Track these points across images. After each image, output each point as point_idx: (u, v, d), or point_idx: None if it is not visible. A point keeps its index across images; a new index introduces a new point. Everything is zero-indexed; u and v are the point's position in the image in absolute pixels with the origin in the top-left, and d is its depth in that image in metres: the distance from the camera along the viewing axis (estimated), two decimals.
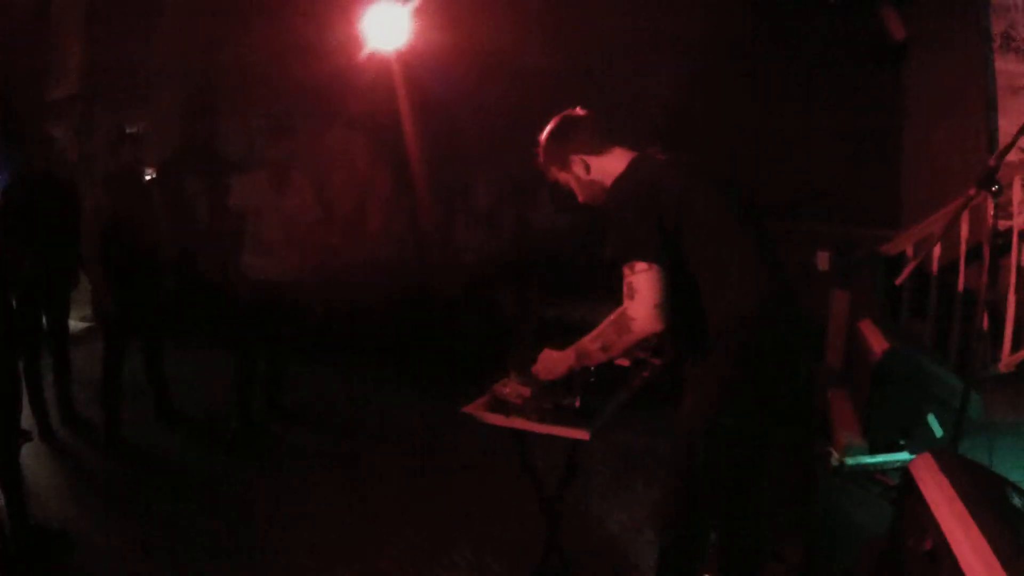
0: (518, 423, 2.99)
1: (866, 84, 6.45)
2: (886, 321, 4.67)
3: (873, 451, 3.35)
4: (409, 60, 7.85)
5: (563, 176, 3.06)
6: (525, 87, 7.11)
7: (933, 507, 2.31)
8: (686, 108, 6.72)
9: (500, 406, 3.10)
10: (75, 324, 7.26)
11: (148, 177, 8.45)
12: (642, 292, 2.63)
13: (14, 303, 3.97)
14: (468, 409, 3.10)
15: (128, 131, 5.78)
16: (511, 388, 3.13)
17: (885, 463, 3.20)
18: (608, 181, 2.90)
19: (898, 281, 3.95)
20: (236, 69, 9.87)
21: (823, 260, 5.60)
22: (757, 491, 3.07)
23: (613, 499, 4.49)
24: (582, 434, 2.83)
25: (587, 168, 2.97)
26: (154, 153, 9.83)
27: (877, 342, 4.14)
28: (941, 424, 3.53)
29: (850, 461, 3.18)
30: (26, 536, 3.99)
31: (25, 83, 11.35)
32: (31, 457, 5.19)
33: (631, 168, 2.88)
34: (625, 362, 3.61)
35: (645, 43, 7.34)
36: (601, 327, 2.84)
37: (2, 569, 3.85)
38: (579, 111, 3.07)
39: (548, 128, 3.06)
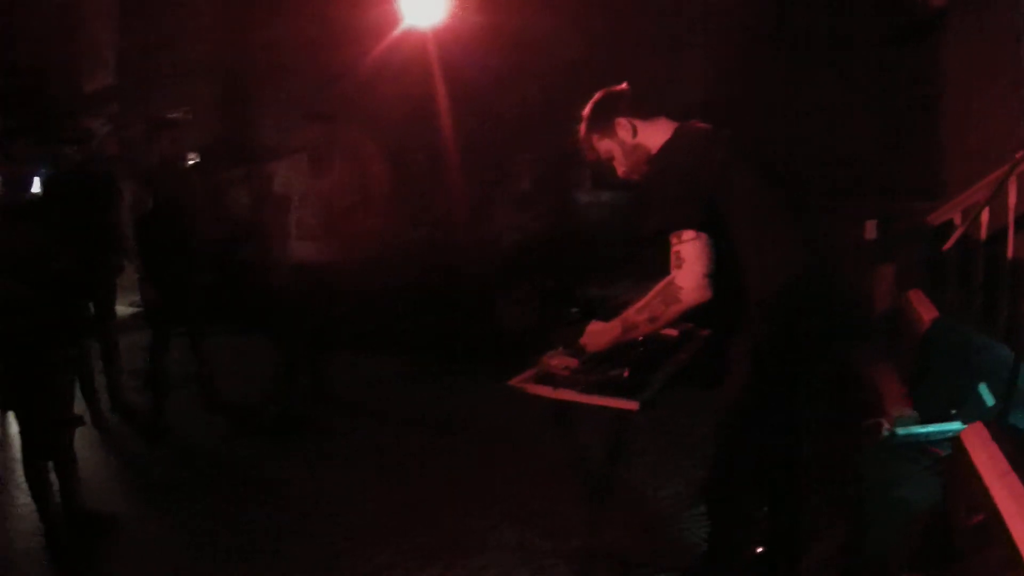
0: (565, 395, 2.98)
1: (905, 55, 6.33)
2: (933, 291, 4.60)
3: (924, 422, 3.30)
4: (445, 40, 7.85)
5: (605, 145, 3.03)
6: (562, 67, 7.09)
7: (985, 478, 2.27)
8: (723, 84, 6.65)
9: (547, 378, 3.10)
10: (124, 310, 7.38)
11: (188, 164, 8.53)
12: (690, 261, 2.62)
13: (60, 295, 4.02)
14: (514, 382, 3.10)
15: (164, 119, 5.83)
16: (558, 360, 3.12)
17: (936, 434, 3.15)
18: (654, 148, 2.89)
19: (945, 247, 3.89)
20: (272, 53, 9.93)
21: (870, 228, 5.51)
22: (804, 465, 3.05)
23: (660, 475, 4.49)
24: (630, 405, 2.82)
25: (634, 131, 2.95)
26: (193, 141, 9.95)
27: (926, 312, 4.09)
28: (993, 393, 3.47)
29: (900, 432, 3.14)
30: (77, 519, 4.07)
31: (62, 76, 11.51)
32: (82, 442, 5.29)
33: (676, 137, 2.87)
34: (673, 332, 3.61)
35: (681, 20, 7.28)
36: (648, 297, 2.81)
37: (54, 549, 3.93)
38: (623, 85, 3.07)
39: (593, 99, 3.05)
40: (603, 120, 3.01)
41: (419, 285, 7.53)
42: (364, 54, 7.83)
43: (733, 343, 2.84)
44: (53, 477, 4.02)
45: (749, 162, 2.81)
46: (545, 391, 3.03)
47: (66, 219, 5.18)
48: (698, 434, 4.78)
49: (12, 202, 4.05)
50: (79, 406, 5.61)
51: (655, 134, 2.91)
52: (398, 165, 8.61)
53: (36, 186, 5.58)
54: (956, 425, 3.05)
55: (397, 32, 7.84)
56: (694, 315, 3.26)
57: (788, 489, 3.09)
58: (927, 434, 3.17)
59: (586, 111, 3.06)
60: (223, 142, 10.39)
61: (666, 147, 2.86)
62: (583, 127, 3.08)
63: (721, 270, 2.65)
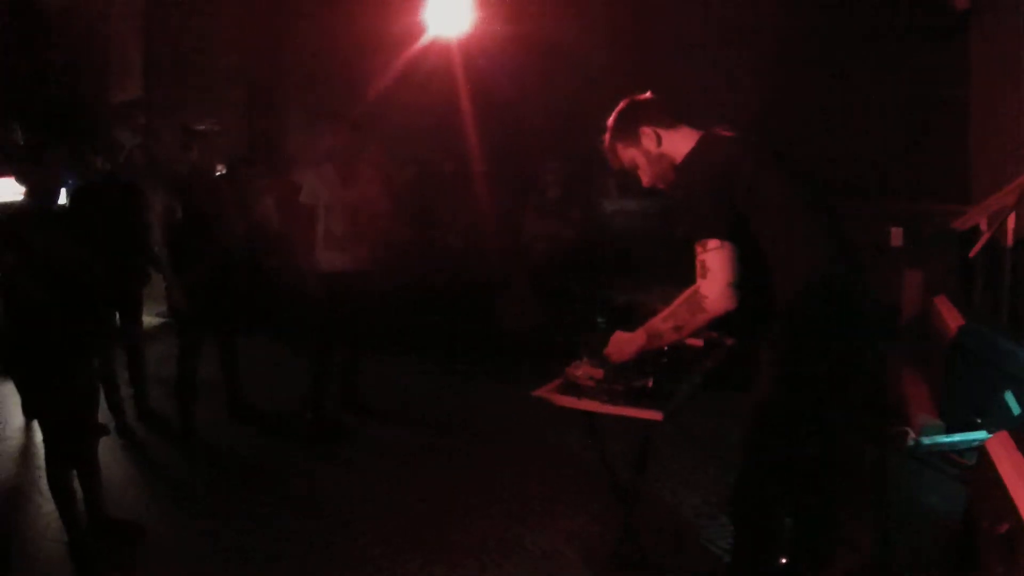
0: (590, 405, 3.01)
1: (930, 56, 6.30)
2: (960, 297, 4.57)
3: (950, 431, 3.29)
4: (473, 49, 7.89)
5: (630, 154, 3.05)
6: (590, 75, 7.11)
7: (1010, 488, 2.26)
8: (751, 91, 6.65)
9: (572, 389, 3.12)
10: (151, 319, 7.47)
11: (217, 174, 8.61)
12: (714, 270, 2.63)
13: (85, 303, 4.08)
14: (539, 392, 3.13)
15: (195, 129, 5.89)
16: (583, 371, 3.15)
17: (962, 443, 3.15)
18: (678, 157, 2.90)
19: (971, 253, 3.87)
20: (299, 63, 10.02)
21: (897, 236, 5.48)
22: (830, 474, 3.05)
23: (687, 484, 4.48)
24: (655, 415, 2.84)
25: (658, 140, 2.96)
26: (222, 151, 10.02)
27: (952, 319, 4.06)
28: (1019, 402, 3.46)
29: (926, 441, 3.14)
30: (102, 527, 4.13)
31: (91, 87, 11.67)
32: (107, 451, 5.34)
33: (700, 146, 2.88)
34: (698, 342, 3.62)
35: (706, 27, 7.29)
36: (673, 306, 2.82)
37: (78, 558, 3.95)
38: (648, 94, 3.09)
39: (618, 108, 3.08)
40: (627, 129, 3.03)
41: (450, 291, 7.57)
42: (391, 63, 7.88)
43: (759, 351, 2.85)
44: (77, 485, 4.05)
45: (775, 168, 2.81)
46: (570, 402, 3.06)
47: (94, 228, 5.27)
48: (724, 442, 4.77)
49: (40, 210, 4.09)
50: (104, 415, 5.71)
51: (679, 143, 2.92)
52: (425, 174, 8.67)
53: (64, 195, 5.66)
54: (981, 434, 3.05)
55: (424, 42, 7.91)
56: (720, 323, 3.30)
57: (813, 499, 3.09)
58: (953, 443, 3.17)
59: (610, 120, 3.09)
60: (252, 152, 10.49)
61: (690, 156, 2.87)
62: (608, 136, 3.10)
63: (748, 278, 2.67)
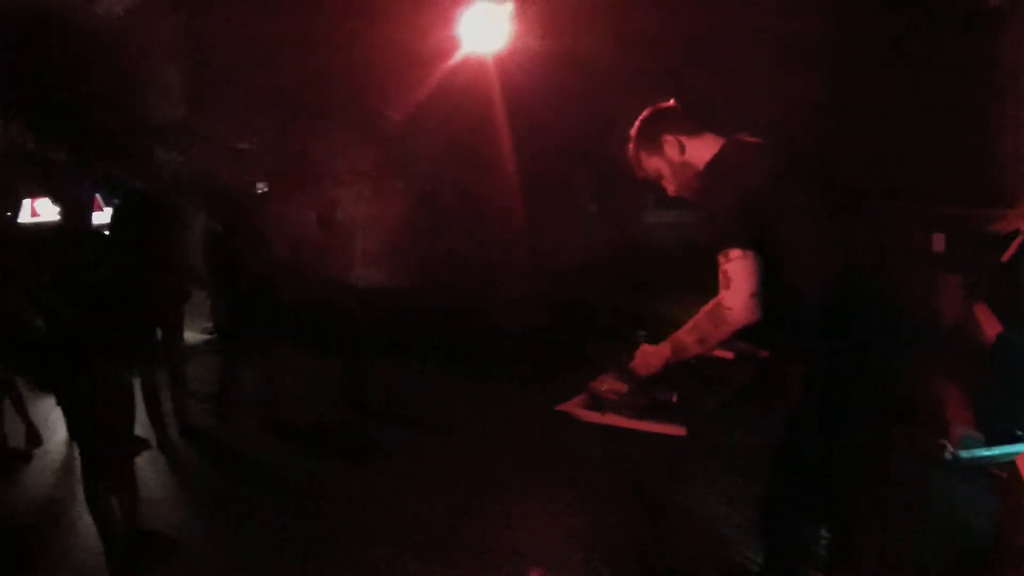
0: (613, 420, 2.98)
1: (965, 56, 6.15)
2: (998, 304, 4.44)
3: (989, 443, 3.19)
4: (508, 63, 7.91)
5: (654, 163, 3.01)
6: (625, 86, 7.07)
7: None
8: (789, 96, 6.56)
9: (596, 403, 3.09)
10: (195, 336, 7.58)
11: (259, 192, 8.73)
12: (737, 281, 2.58)
13: (122, 321, 4.16)
14: (563, 407, 3.10)
15: (236, 148, 6.00)
16: (608, 385, 3.11)
17: (1002, 456, 3.04)
18: (701, 164, 2.85)
19: (1004, 257, 3.77)
20: (337, 81, 10.12)
21: (938, 242, 5.34)
22: (864, 487, 2.97)
23: (718, 494, 4.45)
24: (678, 431, 2.80)
25: (681, 148, 2.91)
26: (261, 169, 10.16)
27: (991, 326, 3.96)
28: None
29: (964, 454, 3.04)
30: (136, 539, 4.20)
31: (132, 108, 11.89)
32: (147, 465, 5.47)
33: (723, 153, 2.83)
34: (728, 355, 3.56)
35: (739, 32, 7.21)
36: (696, 318, 2.78)
37: (112, 567, 4.04)
38: (671, 101, 3.05)
39: (640, 116, 3.04)
40: (650, 138, 2.99)
41: (486, 303, 7.57)
42: (427, 80, 7.93)
43: (791, 360, 2.79)
44: (114, 498, 4.14)
45: (799, 174, 2.74)
46: (593, 417, 3.02)
47: (133, 247, 5.36)
48: (755, 456, 4.71)
49: (75, 229, 4.17)
50: (146, 429, 5.81)
51: (702, 150, 2.87)
52: (463, 190, 8.70)
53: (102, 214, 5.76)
54: (1021, 447, 2.95)
55: (458, 57, 7.94)
56: (752, 334, 3.23)
57: (847, 511, 3.02)
58: (992, 456, 3.07)
59: (633, 130, 3.05)
60: (290, 170, 10.60)
61: (712, 163, 2.81)
62: (631, 146, 3.07)
63: (775, 288, 2.61)
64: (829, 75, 6.47)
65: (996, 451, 3.06)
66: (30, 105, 11.40)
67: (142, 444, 5.73)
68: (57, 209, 4.30)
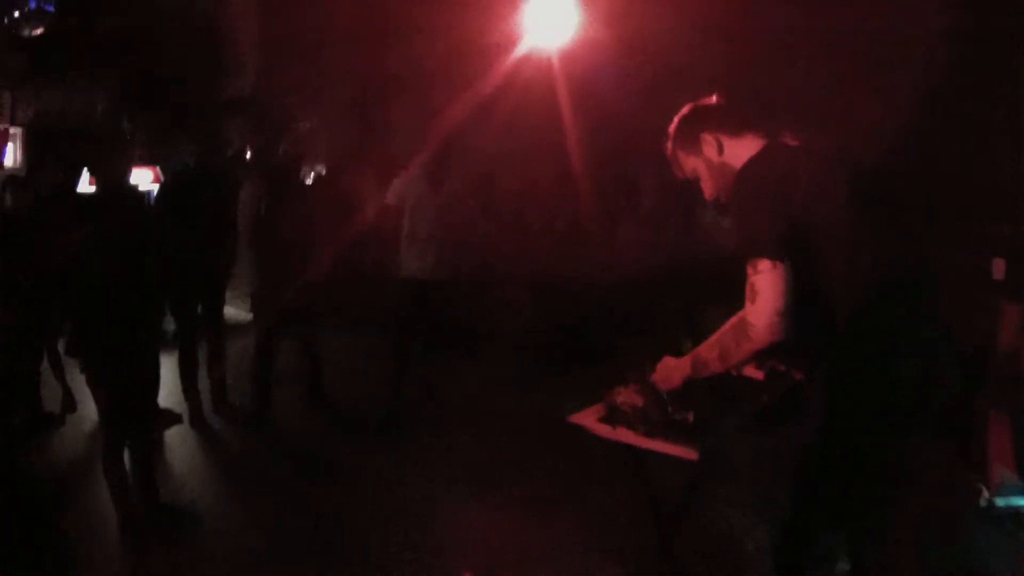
0: (624, 436, 2.85)
1: None
2: None
3: None
4: (573, 54, 7.80)
5: (692, 163, 2.83)
6: (691, 83, 6.89)
7: None
8: (848, 98, 6.33)
9: (611, 415, 2.97)
10: (236, 313, 7.63)
11: (313, 173, 8.74)
12: (764, 295, 2.39)
13: (151, 292, 4.16)
14: (574, 418, 2.99)
15: (285, 125, 5.98)
16: (624, 397, 2.98)
17: None
18: (739, 166, 2.65)
19: None
20: (405, 65, 10.14)
21: (999, 268, 5.03)
22: (888, 513, 2.76)
23: (731, 511, 4.31)
24: (690, 453, 2.66)
25: (720, 148, 2.73)
26: (320, 149, 10.22)
27: None
28: None
29: (1000, 502, 2.82)
30: (155, 513, 4.21)
31: (200, 83, 12.08)
32: (179, 440, 5.51)
33: (761, 155, 2.62)
34: (759, 375, 3.39)
35: (803, 35, 6.99)
36: (720, 332, 2.61)
37: (127, 538, 4.06)
38: (712, 97, 2.87)
39: (679, 113, 2.88)
40: (688, 136, 2.81)
41: (540, 298, 7.48)
42: (492, 68, 7.87)
43: (820, 373, 2.60)
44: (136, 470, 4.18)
45: (840, 181, 2.51)
46: (604, 431, 2.90)
47: (176, 219, 5.38)
48: (770, 470, 4.52)
49: (113, 196, 4.15)
50: (180, 404, 5.85)
51: (742, 151, 2.66)
52: (523, 178, 8.61)
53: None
54: None
55: (524, 47, 7.86)
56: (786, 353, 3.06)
57: (867, 549, 2.83)
58: None
59: (672, 126, 2.88)
60: (351, 151, 10.66)
61: (748, 165, 2.61)
62: (670, 144, 2.89)
63: (809, 303, 2.44)
64: (898, 82, 6.21)
65: None
66: (98, 75, 11.69)
67: (173, 418, 5.80)
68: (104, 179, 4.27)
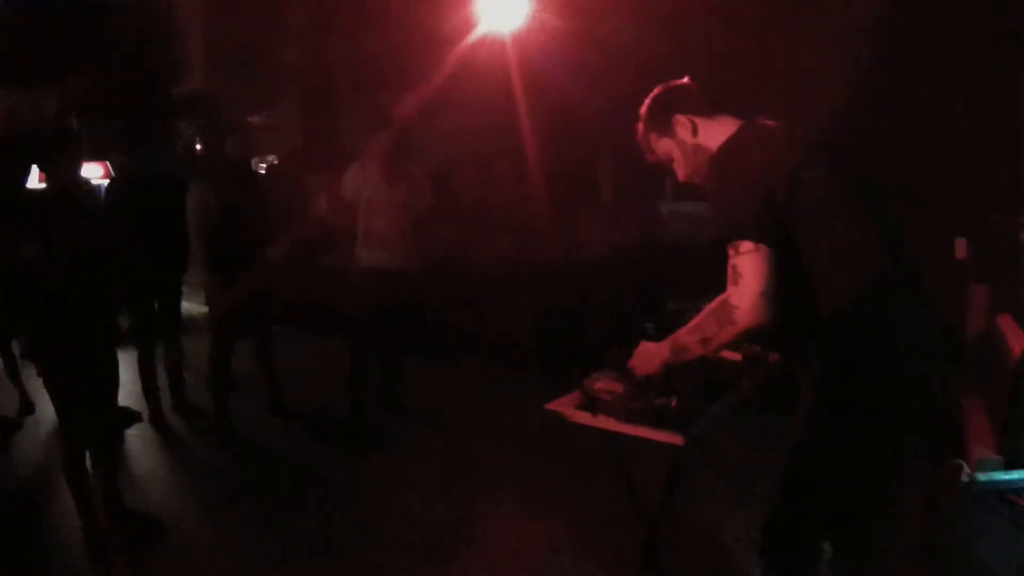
0: (605, 423, 2.79)
1: (998, 60, 5.90)
2: None
3: (1009, 467, 2.96)
4: (527, 44, 7.73)
5: (664, 145, 2.79)
6: (648, 74, 6.87)
7: None
8: (814, 86, 6.35)
9: (589, 403, 2.90)
10: (194, 309, 7.46)
11: (264, 168, 8.55)
12: (746, 277, 2.35)
13: (106, 292, 4.02)
14: (552, 406, 2.93)
15: (233, 121, 5.83)
16: (602, 383, 2.92)
17: (1022, 481, 2.82)
18: (715, 148, 2.60)
19: None
20: (354, 60, 9.99)
21: (960, 248, 5.08)
22: (876, 509, 2.74)
23: (717, 507, 4.27)
24: (675, 438, 2.60)
25: (694, 130, 2.69)
26: (272, 145, 10.02)
27: (1016, 340, 3.72)
28: None
29: (982, 478, 2.81)
30: (118, 517, 4.09)
31: (150, 80, 11.83)
32: (138, 441, 5.37)
33: (739, 135, 2.58)
34: (736, 356, 3.35)
35: (770, 24, 7.00)
36: (700, 316, 2.54)
37: (91, 544, 3.94)
38: (684, 79, 2.83)
39: (651, 94, 2.83)
40: (660, 118, 2.76)
41: (499, 295, 7.40)
42: (444, 60, 7.76)
43: (805, 365, 2.55)
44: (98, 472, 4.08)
45: (824, 164, 2.48)
46: (584, 418, 2.84)
47: (126, 219, 5.22)
48: (758, 464, 4.54)
49: (63, 198, 4.00)
50: (139, 403, 5.70)
51: (717, 133, 2.62)
52: (479, 173, 8.52)
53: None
54: None
55: (476, 37, 7.77)
56: (763, 337, 3.01)
57: (855, 537, 2.79)
58: (1011, 481, 2.85)
59: (643, 108, 2.83)
60: (304, 147, 10.50)
61: (726, 147, 2.56)
62: (640, 126, 2.84)
63: (791, 286, 2.39)
64: (864, 70, 6.26)
65: (1016, 475, 2.84)
66: (47, 74, 11.39)
67: (133, 417, 5.66)
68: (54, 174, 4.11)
